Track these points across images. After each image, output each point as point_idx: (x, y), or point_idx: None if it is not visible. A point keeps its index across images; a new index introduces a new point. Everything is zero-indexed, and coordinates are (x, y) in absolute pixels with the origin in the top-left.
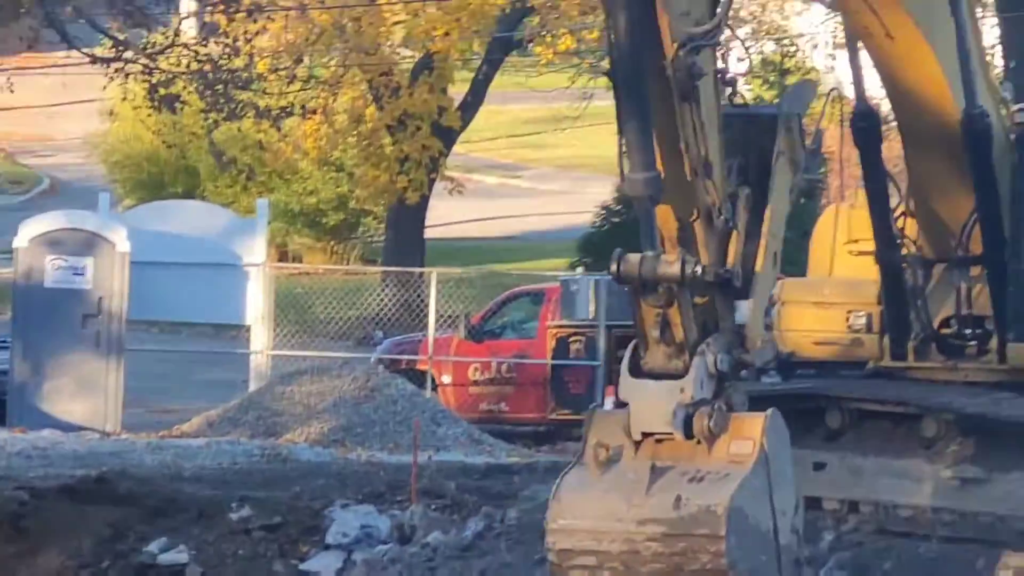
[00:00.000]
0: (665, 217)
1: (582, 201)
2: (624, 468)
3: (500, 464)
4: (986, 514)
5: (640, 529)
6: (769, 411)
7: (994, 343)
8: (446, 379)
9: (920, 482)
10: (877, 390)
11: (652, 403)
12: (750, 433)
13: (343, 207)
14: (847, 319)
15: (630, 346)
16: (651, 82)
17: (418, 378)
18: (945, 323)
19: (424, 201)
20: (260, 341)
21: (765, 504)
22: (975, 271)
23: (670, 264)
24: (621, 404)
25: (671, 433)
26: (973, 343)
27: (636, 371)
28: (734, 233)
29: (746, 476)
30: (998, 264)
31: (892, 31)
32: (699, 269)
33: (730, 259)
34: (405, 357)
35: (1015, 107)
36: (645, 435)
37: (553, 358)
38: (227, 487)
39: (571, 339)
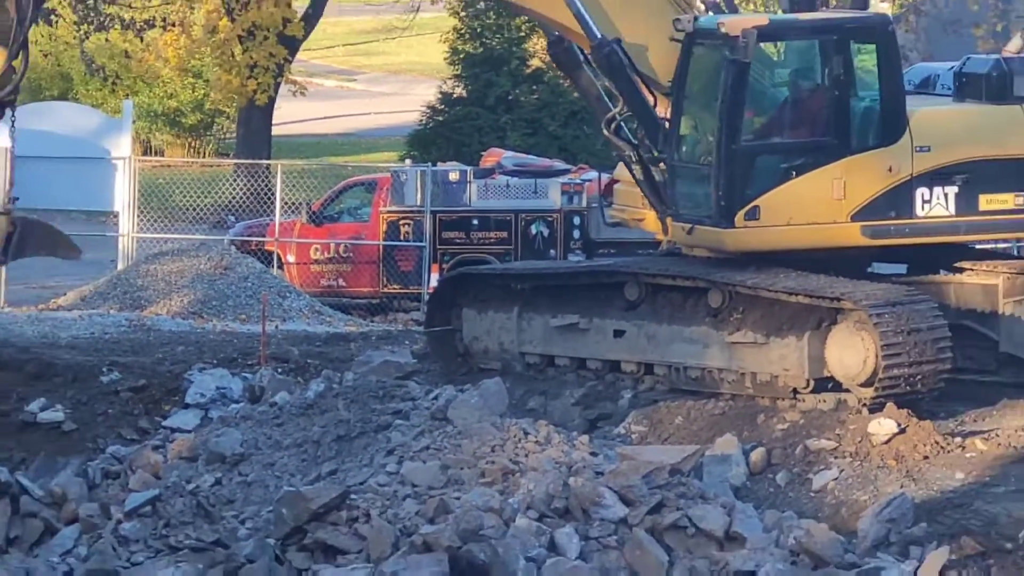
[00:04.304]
0: None
1: (409, 102)
2: None
3: (339, 332)
4: (764, 373)
5: None
6: None
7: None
8: (291, 258)
9: (707, 346)
10: (669, 266)
11: None
12: None
13: (200, 108)
14: (642, 198)
15: None
16: None
17: (266, 258)
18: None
19: (271, 102)
20: (126, 225)
21: None
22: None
23: None
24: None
25: None
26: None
27: None
28: None
29: None
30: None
31: None
32: None
33: None
34: (255, 239)
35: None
36: None
37: (385, 240)
38: (98, 354)
39: (401, 223)
